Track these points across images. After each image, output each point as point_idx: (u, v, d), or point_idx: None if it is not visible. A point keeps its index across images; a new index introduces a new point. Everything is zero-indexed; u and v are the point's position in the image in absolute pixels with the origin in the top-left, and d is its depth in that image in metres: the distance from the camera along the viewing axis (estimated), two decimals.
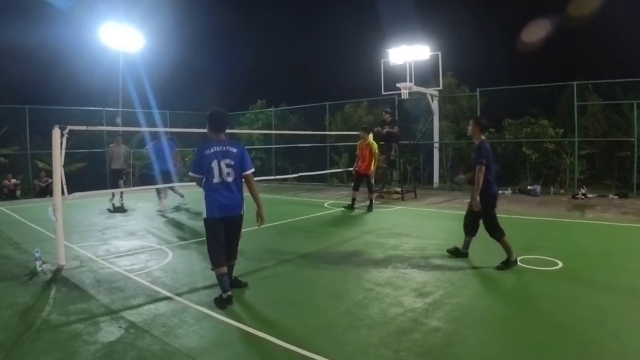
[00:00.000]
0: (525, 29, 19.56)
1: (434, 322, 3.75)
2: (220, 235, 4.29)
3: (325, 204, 11.48)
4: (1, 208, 11.60)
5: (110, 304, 4.33)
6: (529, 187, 12.89)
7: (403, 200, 11.94)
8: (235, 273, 4.62)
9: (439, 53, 14.69)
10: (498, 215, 5.57)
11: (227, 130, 4.52)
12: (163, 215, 9.94)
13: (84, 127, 7.16)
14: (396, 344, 3.37)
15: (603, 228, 7.90)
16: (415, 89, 14.39)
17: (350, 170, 11.07)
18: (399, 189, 12.64)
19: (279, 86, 27.36)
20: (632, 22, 16.51)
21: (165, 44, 22.05)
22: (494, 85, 14.31)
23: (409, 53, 14.58)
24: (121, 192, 11.48)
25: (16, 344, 3.47)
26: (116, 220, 9.38)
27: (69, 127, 5.69)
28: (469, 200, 5.78)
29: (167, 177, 9.53)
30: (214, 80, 27.89)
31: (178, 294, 4.56)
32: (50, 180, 10.97)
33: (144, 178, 11.78)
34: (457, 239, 5.93)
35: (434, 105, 15.46)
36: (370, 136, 10.99)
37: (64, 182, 5.63)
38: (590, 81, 13.71)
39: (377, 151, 10.32)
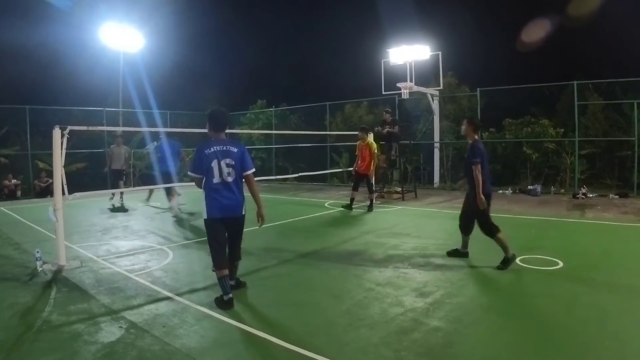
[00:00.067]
0: (525, 28, 19.58)
1: (435, 322, 3.75)
2: (221, 236, 4.25)
3: (326, 204, 11.48)
4: (2, 208, 11.61)
5: (111, 304, 4.33)
6: (529, 187, 12.88)
7: (403, 200, 11.94)
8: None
9: (439, 53, 14.69)
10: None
11: (228, 130, 4.47)
12: (163, 215, 9.95)
13: (84, 128, 7.17)
14: (397, 344, 3.37)
15: (603, 228, 7.90)
16: (416, 88, 14.39)
17: (351, 170, 11.05)
18: (399, 189, 12.64)
19: (279, 86, 27.42)
20: (632, 21, 16.52)
21: (165, 44, 22.08)
22: (494, 85, 14.32)
23: (409, 53, 14.58)
24: (121, 193, 11.49)
25: (16, 344, 3.47)
26: (116, 221, 9.38)
27: (69, 128, 5.69)
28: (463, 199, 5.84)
29: (167, 179, 9.50)
30: (214, 80, 27.93)
31: (178, 294, 4.56)
32: (51, 181, 11.01)
33: (144, 178, 11.78)
34: (458, 239, 5.92)
35: (435, 105, 15.46)
36: (371, 136, 11.00)
37: (65, 182, 5.63)
38: (591, 81, 13.71)
39: (376, 151, 10.32)
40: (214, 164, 4.14)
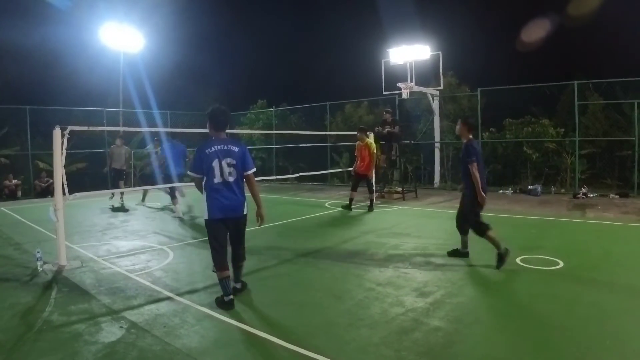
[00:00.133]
0: (525, 28, 19.58)
1: (435, 322, 3.76)
2: (223, 237, 4.21)
3: (326, 204, 11.48)
4: (2, 208, 11.62)
5: (111, 304, 4.34)
6: (529, 187, 12.87)
7: (404, 200, 11.94)
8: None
9: (440, 53, 14.70)
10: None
11: (228, 131, 4.40)
12: (163, 215, 9.96)
13: (84, 128, 7.16)
14: (397, 344, 3.37)
15: (604, 227, 7.90)
16: (416, 88, 14.39)
17: (350, 171, 11.02)
18: (399, 189, 12.64)
19: (279, 86, 27.42)
20: (632, 21, 16.51)
21: (165, 44, 22.08)
22: (494, 85, 14.31)
23: (409, 53, 14.59)
24: (122, 193, 11.51)
25: (17, 345, 3.47)
26: (117, 221, 9.38)
27: (69, 128, 5.69)
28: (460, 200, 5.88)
29: (170, 181, 9.49)
30: (215, 80, 27.91)
31: (179, 294, 4.57)
32: (51, 181, 11.03)
33: (144, 178, 11.79)
34: (458, 239, 5.91)
35: (435, 105, 15.46)
36: (371, 136, 11.00)
37: (65, 182, 5.63)
38: (591, 80, 13.71)
39: (375, 151, 10.30)
40: (215, 163, 4.08)
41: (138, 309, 4.20)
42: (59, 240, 5.70)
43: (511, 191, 13.20)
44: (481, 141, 14.68)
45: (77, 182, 9.26)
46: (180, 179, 9.69)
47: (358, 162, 10.21)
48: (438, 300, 4.30)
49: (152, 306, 4.27)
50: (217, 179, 4.10)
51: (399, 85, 14.18)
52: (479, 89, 14.52)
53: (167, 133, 10.68)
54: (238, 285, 4.49)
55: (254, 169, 4.33)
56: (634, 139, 12.40)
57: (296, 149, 18.91)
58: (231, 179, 4.13)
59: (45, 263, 5.66)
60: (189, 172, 4.42)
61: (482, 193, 5.40)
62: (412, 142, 15.50)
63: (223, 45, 30.92)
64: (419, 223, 8.61)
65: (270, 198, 12.91)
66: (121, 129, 14.21)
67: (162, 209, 11.00)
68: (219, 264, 4.15)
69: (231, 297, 4.17)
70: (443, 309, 4.07)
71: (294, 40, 32.98)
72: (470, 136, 5.71)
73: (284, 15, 34.17)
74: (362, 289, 4.69)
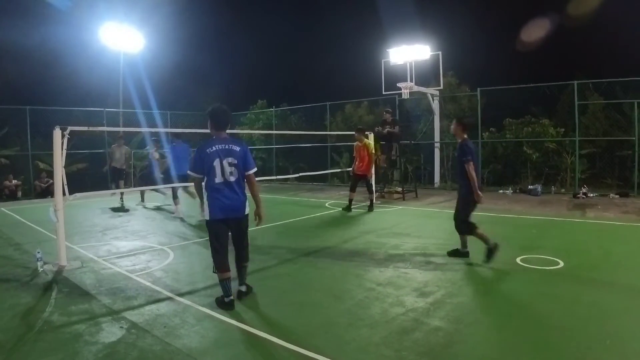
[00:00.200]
0: (525, 28, 19.57)
1: (435, 322, 3.76)
2: (224, 237, 4.18)
3: (326, 204, 11.48)
4: (2, 209, 11.62)
5: (112, 304, 4.34)
6: (529, 187, 12.88)
7: (404, 200, 11.94)
8: (235, 274, 4.40)
9: (440, 53, 14.70)
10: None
11: (227, 131, 4.34)
12: (163, 216, 9.96)
13: (84, 128, 7.16)
14: (397, 344, 3.37)
15: (604, 227, 7.90)
16: (416, 88, 14.40)
17: (349, 171, 10.96)
18: (399, 189, 12.64)
19: (279, 86, 27.39)
20: (632, 21, 16.50)
21: (165, 44, 22.08)
22: (494, 85, 14.31)
23: (409, 53, 14.59)
24: (122, 193, 11.53)
25: (18, 345, 3.48)
26: (117, 221, 9.39)
27: (69, 128, 5.69)
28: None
29: (168, 181, 9.47)
30: (215, 80, 27.89)
31: (179, 295, 4.57)
32: (51, 181, 11.03)
33: (144, 179, 11.81)
34: (458, 239, 5.91)
35: (435, 105, 15.46)
36: (371, 136, 11.00)
37: (65, 182, 5.63)
38: (591, 80, 13.72)
39: (373, 151, 10.27)
40: (216, 163, 4.03)
41: (138, 309, 4.20)
42: (59, 240, 5.70)
43: (511, 191, 13.20)
44: (481, 141, 14.68)
45: (77, 183, 9.25)
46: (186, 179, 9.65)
47: (357, 162, 10.17)
48: (438, 300, 4.30)
49: (153, 306, 4.27)
50: (218, 179, 4.05)
51: (399, 85, 14.18)
52: (478, 89, 14.52)
53: (171, 133, 10.61)
54: (243, 289, 4.41)
55: (255, 169, 4.30)
56: (634, 138, 12.39)
57: (296, 149, 18.91)
58: (232, 178, 4.09)
59: (45, 263, 5.66)
60: (188, 172, 4.36)
61: (479, 192, 5.47)
62: (412, 142, 15.49)
63: (223, 45, 30.92)
64: (419, 223, 8.61)
65: (271, 198, 12.92)
66: (121, 129, 14.21)
67: (156, 208, 11.03)
68: (219, 265, 4.14)
69: (231, 297, 4.16)
70: (443, 309, 4.07)
71: (294, 40, 32.97)
72: (465, 135, 5.75)
73: (284, 15, 34.17)
74: (363, 288, 4.69)
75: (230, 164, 4.07)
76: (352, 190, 10.26)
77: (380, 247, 6.54)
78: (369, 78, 17.97)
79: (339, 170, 16.80)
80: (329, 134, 17.39)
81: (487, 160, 15.35)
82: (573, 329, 3.58)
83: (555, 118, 14.92)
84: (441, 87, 15.17)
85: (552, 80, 14.08)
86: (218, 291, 4.25)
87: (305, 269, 5.57)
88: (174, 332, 3.66)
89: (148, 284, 4.96)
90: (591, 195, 11.81)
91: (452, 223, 5.93)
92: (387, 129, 12.29)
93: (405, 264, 5.60)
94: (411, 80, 14.32)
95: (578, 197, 11.55)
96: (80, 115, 16.32)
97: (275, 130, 19.65)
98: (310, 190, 15.43)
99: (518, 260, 5.55)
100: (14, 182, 14.45)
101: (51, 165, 6.90)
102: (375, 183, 11.87)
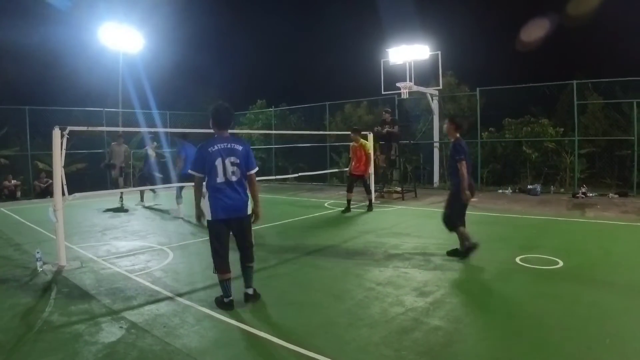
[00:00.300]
0: (524, 28, 19.57)
1: (435, 321, 3.76)
2: (225, 238, 4.12)
3: (326, 204, 11.48)
4: (2, 209, 11.61)
5: (111, 304, 4.34)
6: (529, 186, 12.89)
7: (403, 199, 11.94)
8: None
9: (439, 52, 14.71)
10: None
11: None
12: (163, 215, 9.96)
13: (84, 128, 7.16)
14: (397, 343, 3.37)
15: (603, 227, 7.91)
16: (415, 88, 14.40)
17: (346, 172, 10.85)
18: (399, 189, 12.64)
19: (278, 86, 27.38)
20: (631, 21, 16.51)
21: (164, 44, 22.05)
22: (494, 85, 14.33)
23: (408, 52, 14.60)
24: (121, 193, 11.53)
25: (17, 345, 3.47)
26: (116, 221, 9.38)
27: (69, 128, 5.68)
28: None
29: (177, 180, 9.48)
30: (214, 80, 27.89)
31: (179, 294, 4.57)
32: (51, 181, 11.00)
33: (143, 179, 11.80)
34: (457, 239, 5.92)
35: (434, 105, 15.47)
36: (371, 136, 10.99)
37: (65, 182, 5.63)
38: (590, 80, 13.73)
39: (370, 151, 10.23)
40: (218, 162, 3.98)
41: (138, 309, 4.20)
42: (58, 240, 5.70)
43: (510, 191, 13.21)
44: (480, 141, 14.69)
45: (77, 183, 9.25)
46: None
47: (354, 163, 10.11)
48: (438, 299, 4.30)
49: (152, 306, 4.27)
50: (219, 179, 4.00)
51: (398, 85, 14.19)
52: (478, 89, 14.54)
53: (179, 134, 10.57)
54: (250, 291, 4.30)
55: (257, 169, 4.27)
56: (633, 138, 12.42)
57: (295, 149, 18.91)
58: (234, 178, 4.03)
59: (45, 263, 5.66)
60: (189, 171, 4.27)
61: (466, 191, 5.54)
62: (412, 142, 15.51)
63: (222, 45, 30.91)
64: (418, 223, 8.62)
65: (270, 198, 12.92)
66: (120, 129, 14.22)
67: (150, 208, 11.07)
68: (219, 266, 4.10)
69: (231, 298, 4.14)
70: (443, 308, 4.07)
71: (294, 40, 32.95)
72: (458, 135, 5.81)
73: (283, 15, 34.15)
74: (362, 288, 4.69)
75: (232, 164, 4.02)
76: (349, 190, 10.21)
77: (380, 247, 6.55)
78: (368, 78, 18.00)
79: (338, 170, 16.80)
80: (328, 134, 17.40)
81: (486, 160, 15.35)
82: (572, 329, 3.58)
83: (554, 118, 14.94)
84: (440, 87, 15.18)
85: (552, 80, 14.09)
86: (217, 291, 4.25)
87: (305, 269, 5.57)
88: (174, 332, 3.66)
89: (147, 284, 4.96)
90: (590, 194, 11.82)
91: None
92: (386, 129, 12.28)
93: (405, 263, 5.61)
94: (410, 80, 14.33)
95: (577, 197, 11.56)
96: (79, 115, 16.33)
97: (275, 130, 19.66)
98: (310, 190, 15.43)
99: (517, 260, 5.56)
100: (14, 182, 14.44)
101: (50, 165, 6.89)
102: (375, 183, 11.86)
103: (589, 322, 3.70)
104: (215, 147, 4.01)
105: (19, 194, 14.36)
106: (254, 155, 4.35)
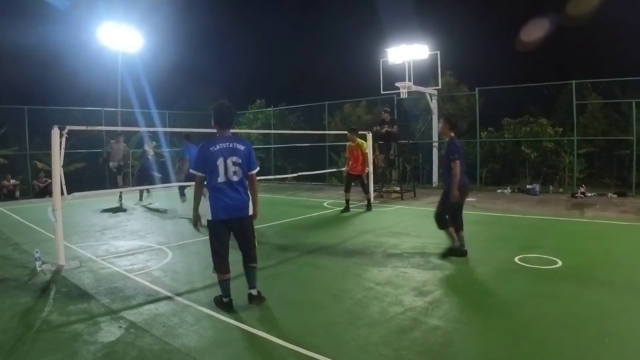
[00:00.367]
0: (524, 28, 19.59)
1: (434, 321, 3.76)
2: (225, 238, 4.07)
3: (325, 204, 11.48)
4: (1, 209, 11.60)
5: (110, 303, 4.33)
6: (528, 186, 12.89)
7: (402, 199, 11.94)
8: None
9: (438, 52, 14.71)
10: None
11: None
12: (162, 215, 9.96)
13: (83, 127, 7.17)
14: (396, 343, 3.37)
15: (602, 227, 7.91)
16: (414, 88, 14.40)
17: (344, 171, 10.76)
18: (398, 188, 12.64)
19: (278, 86, 27.38)
20: (631, 21, 16.53)
21: (164, 44, 22.04)
22: (493, 85, 14.33)
23: (407, 52, 14.60)
24: (120, 192, 11.52)
25: (17, 345, 3.47)
26: (115, 221, 9.38)
27: (68, 127, 5.68)
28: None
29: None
30: (213, 79, 27.88)
31: (178, 294, 4.57)
32: (50, 181, 10.98)
33: (141, 178, 11.79)
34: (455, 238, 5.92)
35: (433, 105, 15.47)
36: (370, 136, 10.98)
37: (63, 182, 5.62)
38: (589, 80, 13.73)
39: (367, 151, 10.19)
40: (220, 162, 3.93)
41: (137, 309, 4.20)
42: (57, 240, 5.69)
43: (509, 190, 13.21)
44: (479, 140, 14.70)
45: (76, 182, 9.21)
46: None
47: (351, 162, 10.05)
48: (437, 299, 4.31)
49: (151, 306, 4.27)
50: (220, 178, 3.95)
51: (397, 84, 14.18)
52: (477, 89, 14.54)
53: (183, 134, 10.56)
54: (254, 292, 4.20)
55: (258, 168, 4.23)
56: (632, 138, 12.43)
57: (295, 148, 18.92)
58: (236, 178, 3.99)
59: (44, 263, 5.66)
60: (191, 170, 4.21)
61: (455, 191, 5.58)
62: (411, 141, 15.51)
63: (221, 45, 30.91)
64: (417, 222, 8.61)
65: (269, 198, 12.92)
66: (119, 128, 14.21)
67: (147, 208, 11.14)
68: (219, 267, 4.06)
69: (230, 298, 4.13)
70: (442, 308, 4.08)
71: (293, 40, 32.97)
72: (452, 134, 5.86)
73: (282, 15, 34.17)
74: (361, 288, 4.69)
75: (234, 163, 3.97)
76: (347, 190, 10.15)
77: (379, 246, 6.55)
78: (367, 78, 18.01)
79: (337, 169, 16.81)
80: (328, 134, 17.39)
81: (485, 159, 15.36)
82: (572, 328, 3.58)
83: (553, 118, 14.95)
84: (439, 87, 15.19)
85: (551, 80, 14.10)
86: (217, 290, 4.24)
87: (304, 269, 5.57)
88: (173, 331, 3.66)
89: (147, 283, 4.96)
90: (589, 194, 11.83)
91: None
92: (385, 129, 12.28)
93: (404, 263, 5.61)
94: (409, 80, 14.33)
95: (576, 197, 11.58)
96: (78, 115, 16.31)
97: (274, 129, 19.65)
98: (309, 190, 15.43)
99: (516, 259, 5.56)
100: (12, 181, 14.44)
101: (49, 164, 6.89)
102: (374, 183, 11.87)
103: (588, 322, 3.70)
104: (217, 147, 3.96)
105: (17, 193, 14.36)
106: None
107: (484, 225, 8.12)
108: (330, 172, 17.26)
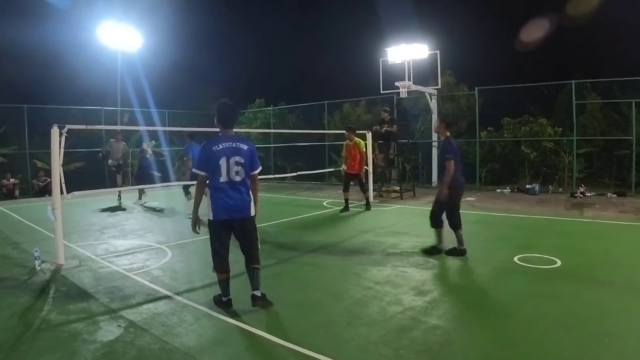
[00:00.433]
0: (524, 28, 19.59)
1: (433, 320, 3.76)
2: (225, 239, 4.03)
3: (324, 203, 11.48)
4: (0, 208, 11.59)
5: (110, 303, 4.33)
6: (527, 186, 12.90)
7: (402, 199, 11.95)
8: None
9: (438, 52, 14.71)
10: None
11: None
12: (161, 214, 9.96)
13: (82, 127, 7.16)
14: (396, 342, 3.37)
15: (602, 226, 7.92)
16: (414, 87, 14.39)
17: (343, 170, 10.70)
18: (397, 188, 12.64)
19: (277, 85, 27.36)
20: (630, 21, 16.54)
21: (163, 43, 21.99)
22: (492, 84, 14.33)
23: (407, 52, 14.60)
24: (119, 191, 11.52)
25: (16, 344, 3.47)
26: (115, 220, 9.38)
27: (67, 127, 5.68)
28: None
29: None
30: (213, 79, 27.86)
31: (177, 293, 4.56)
32: (49, 180, 10.99)
33: (140, 177, 11.79)
34: (454, 238, 5.92)
35: (433, 104, 15.47)
36: (369, 136, 10.96)
37: (63, 181, 5.62)
38: (589, 80, 13.74)
39: (364, 150, 10.17)
40: (222, 161, 3.87)
41: (136, 308, 4.19)
42: (57, 239, 5.69)
43: (509, 190, 13.22)
44: (479, 140, 14.71)
45: (75, 181, 9.21)
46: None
47: (349, 161, 9.98)
48: (436, 298, 4.31)
49: (151, 305, 4.27)
50: (222, 178, 3.88)
51: (397, 84, 14.17)
52: (477, 88, 14.55)
53: (186, 133, 10.54)
54: (257, 293, 4.07)
55: (260, 168, 4.20)
56: (631, 138, 12.44)
57: (294, 148, 18.92)
58: (238, 178, 3.92)
59: (43, 262, 5.65)
60: (193, 170, 4.16)
61: (446, 190, 5.67)
62: (410, 141, 15.52)
63: (221, 44, 30.90)
64: (417, 222, 8.61)
65: (268, 197, 12.91)
66: (119, 127, 14.22)
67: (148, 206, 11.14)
68: (218, 266, 4.03)
69: (229, 297, 4.12)
70: (441, 307, 4.08)
71: (293, 39, 32.95)
72: (448, 133, 5.90)
73: (282, 14, 34.14)
74: (361, 287, 4.69)
75: (237, 163, 3.91)
76: (346, 190, 10.10)
77: (378, 246, 6.55)
78: (367, 77, 18.00)
79: (337, 169, 16.80)
80: (327, 133, 17.39)
81: (485, 159, 15.37)
82: (571, 328, 3.59)
83: (553, 117, 14.96)
84: (439, 86, 15.19)
85: (550, 80, 14.11)
86: (216, 290, 4.24)
87: (304, 268, 5.58)
88: (172, 330, 3.66)
89: (146, 282, 4.96)
90: (589, 194, 11.84)
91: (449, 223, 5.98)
92: (385, 128, 12.29)
93: (403, 262, 5.61)
94: (409, 79, 14.32)
95: (576, 197, 11.58)
96: (78, 114, 16.28)
97: (273, 129, 19.64)
98: (308, 189, 15.43)
99: (516, 259, 5.56)
100: (12, 180, 14.43)
101: (49, 163, 6.90)
102: (373, 182, 11.87)
103: (587, 321, 3.71)
104: (220, 146, 3.90)
105: (17, 192, 14.36)
106: None
107: (484, 225, 8.13)
108: (329, 172, 17.26)
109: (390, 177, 14.42)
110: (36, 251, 5.69)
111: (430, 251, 5.93)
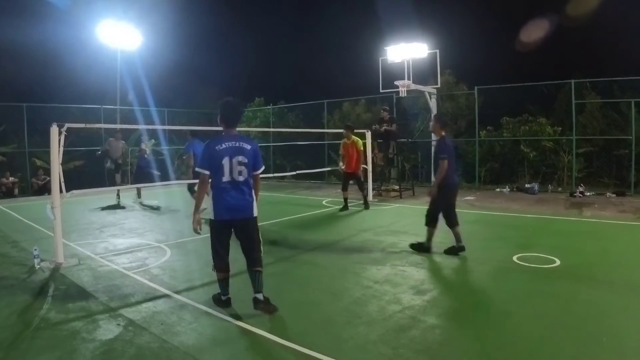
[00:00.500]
0: (523, 27, 19.58)
1: (432, 320, 3.77)
2: (226, 239, 4.00)
3: (324, 202, 11.49)
4: None
5: (109, 301, 4.33)
6: (526, 185, 12.92)
7: (401, 198, 11.95)
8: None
9: (437, 51, 14.68)
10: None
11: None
12: (160, 213, 9.96)
13: (82, 125, 7.16)
14: (395, 341, 3.38)
15: (601, 226, 7.92)
16: (414, 86, 14.37)
17: (341, 169, 10.66)
18: (396, 187, 12.65)
19: (277, 84, 27.33)
20: (630, 20, 16.55)
21: (163, 42, 21.97)
22: (492, 83, 14.33)
23: (407, 51, 14.58)
24: (118, 190, 11.51)
25: (15, 343, 3.47)
26: (114, 218, 9.37)
27: (67, 125, 5.68)
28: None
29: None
30: (212, 78, 27.82)
31: (176, 292, 4.57)
32: (48, 178, 11.00)
33: (139, 176, 11.78)
34: (452, 237, 5.92)
35: (432, 103, 15.45)
36: (369, 135, 10.96)
37: (62, 180, 5.62)
38: (588, 79, 13.74)
39: (362, 148, 10.16)
40: (225, 161, 3.81)
41: (135, 307, 4.20)
42: (56, 238, 5.69)
43: (508, 189, 13.23)
44: (478, 139, 14.71)
45: (75, 180, 9.22)
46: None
47: (347, 160, 9.93)
48: (435, 297, 4.31)
49: (150, 304, 4.27)
50: (225, 178, 3.84)
51: (396, 83, 14.15)
52: (476, 88, 14.54)
53: (188, 130, 10.52)
54: (260, 297, 3.98)
55: (263, 167, 4.14)
56: (630, 137, 12.44)
57: (294, 146, 18.90)
58: (241, 178, 3.87)
59: (42, 261, 5.65)
60: (196, 169, 4.09)
61: (436, 188, 5.73)
62: (410, 140, 15.51)
63: (221, 43, 30.90)
64: (416, 221, 8.58)
65: (268, 196, 12.91)
66: (118, 126, 14.20)
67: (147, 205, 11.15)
68: (218, 265, 4.01)
69: (228, 296, 4.12)
70: (440, 306, 4.08)
71: (292, 39, 32.94)
72: (443, 133, 5.92)
73: (282, 13, 34.11)
74: (360, 286, 4.69)
75: (240, 163, 3.86)
76: (345, 189, 10.06)
77: (378, 245, 6.55)
78: (366, 76, 17.97)
79: (336, 168, 16.78)
80: (327, 132, 17.39)
81: (484, 158, 15.37)
82: (570, 327, 3.59)
83: (552, 117, 14.97)
84: (438, 86, 15.17)
85: (550, 79, 14.10)
86: (215, 288, 4.24)
87: (303, 267, 5.58)
88: (171, 329, 3.66)
89: (145, 281, 4.96)
90: (588, 194, 11.85)
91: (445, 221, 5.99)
92: (384, 127, 12.29)
93: (402, 261, 5.61)
94: (409, 79, 14.29)
95: (575, 196, 11.59)
96: (77, 113, 16.28)
97: (273, 128, 19.63)
98: (308, 188, 15.44)
99: (515, 258, 5.57)
100: (11, 179, 14.43)
101: (48, 162, 6.89)
102: (373, 181, 11.87)
103: (586, 321, 3.71)
104: (223, 146, 3.84)
105: (16, 191, 14.36)
106: None
107: (483, 224, 8.14)
108: (329, 171, 17.25)
109: (390, 176, 14.42)
110: (35, 250, 5.69)
111: (417, 247, 6.03)
